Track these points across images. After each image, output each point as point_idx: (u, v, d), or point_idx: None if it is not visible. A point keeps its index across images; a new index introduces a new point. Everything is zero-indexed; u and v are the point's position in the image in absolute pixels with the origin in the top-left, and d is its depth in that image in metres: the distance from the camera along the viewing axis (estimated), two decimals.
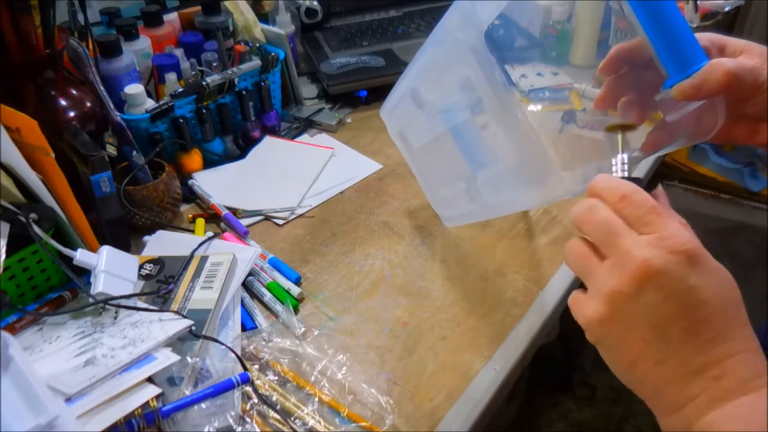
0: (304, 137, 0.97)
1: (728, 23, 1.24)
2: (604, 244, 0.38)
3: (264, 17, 1.08)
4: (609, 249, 0.38)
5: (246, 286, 0.69)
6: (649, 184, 1.04)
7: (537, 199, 0.55)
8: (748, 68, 0.43)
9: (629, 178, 0.42)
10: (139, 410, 0.49)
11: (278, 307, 0.66)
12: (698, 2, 1.01)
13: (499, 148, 0.55)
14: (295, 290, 0.68)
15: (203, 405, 0.52)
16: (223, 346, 0.58)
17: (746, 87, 0.43)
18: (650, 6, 0.43)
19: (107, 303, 0.58)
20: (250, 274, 0.69)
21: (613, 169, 0.44)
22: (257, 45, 0.94)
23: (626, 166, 0.44)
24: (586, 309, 0.38)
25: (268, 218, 0.80)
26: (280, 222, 0.80)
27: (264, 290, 0.68)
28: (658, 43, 0.44)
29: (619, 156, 0.44)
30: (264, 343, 0.61)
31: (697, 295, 0.35)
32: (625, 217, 0.38)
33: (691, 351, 0.35)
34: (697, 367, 0.35)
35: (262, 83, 0.91)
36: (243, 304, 0.66)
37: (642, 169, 0.90)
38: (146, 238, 0.74)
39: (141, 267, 0.66)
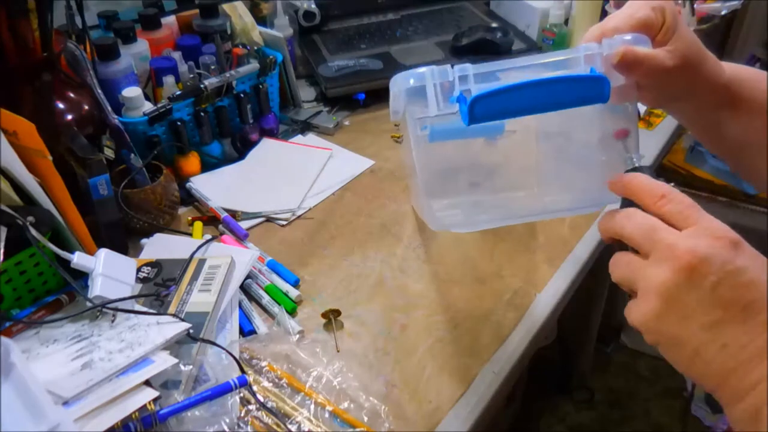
0: (298, 138, 0.97)
1: (725, 26, 1.24)
2: (648, 241, 0.39)
3: (262, 20, 1.08)
4: (653, 245, 0.38)
5: (244, 288, 0.68)
6: None
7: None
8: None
9: (642, 168, 0.45)
10: (137, 413, 0.48)
11: (276, 309, 0.65)
12: (695, 6, 1.02)
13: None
14: (293, 293, 0.67)
15: (201, 408, 0.52)
16: (221, 350, 0.57)
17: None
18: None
19: (104, 306, 0.57)
20: (248, 276, 0.69)
21: (628, 163, 0.47)
22: (255, 48, 0.94)
23: (637, 161, 0.46)
24: (639, 310, 0.38)
25: (269, 220, 0.80)
26: (282, 223, 0.80)
27: (262, 293, 0.68)
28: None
29: (631, 155, 0.47)
30: (262, 346, 0.61)
31: (746, 276, 0.35)
32: (665, 214, 0.39)
33: (751, 332, 0.35)
34: (761, 348, 0.34)
35: (260, 86, 0.91)
36: (241, 307, 0.66)
37: None
38: (144, 241, 0.74)
39: (139, 270, 0.66)
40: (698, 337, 0.36)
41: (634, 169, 0.45)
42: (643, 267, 0.39)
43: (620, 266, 0.41)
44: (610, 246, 0.45)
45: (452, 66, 0.48)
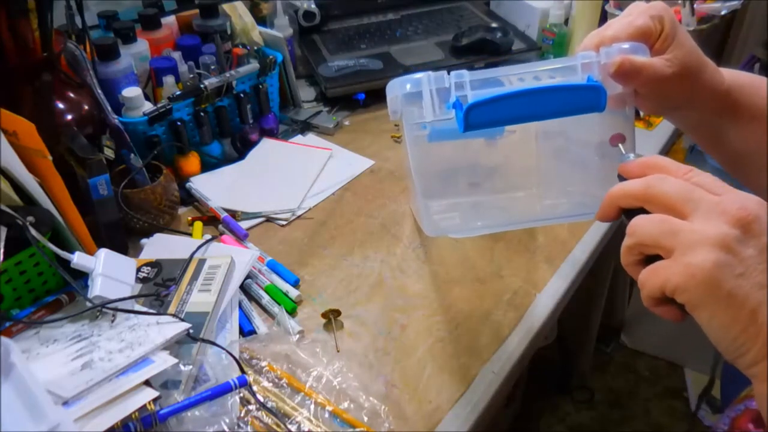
0: (298, 138, 0.97)
1: (725, 27, 1.24)
2: (689, 200, 0.37)
3: (262, 20, 1.08)
4: (696, 204, 0.36)
5: (244, 288, 0.68)
6: None
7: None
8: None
9: None
10: (137, 413, 0.48)
11: (276, 309, 0.66)
12: (695, 6, 1.02)
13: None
14: (293, 293, 0.67)
15: (200, 408, 0.52)
16: (221, 350, 0.57)
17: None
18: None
19: (104, 306, 0.57)
20: (248, 276, 0.69)
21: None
22: (255, 48, 0.94)
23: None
24: (684, 263, 0.35)
25: (269, 220, 0.80)
26: (282, 223, 0.80)
27: (262, 293, 0.68)
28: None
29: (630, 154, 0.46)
30: (262, 346, 0.61)
31: None
32: (696, 184, 0.38)
33: None
34: None
35: (260, 86, 0.91)
36: (241, 307, 0.66)
37: None
38: (144, 241, 0.74)
39: (138, 270, 0.66)
40: (756, 296, 0.34)
41: None
42: (685, 224, 0.36)
43: (649, 224, 0.37)
44: (610, 245, 0.44)
45: (449, 72, 0.48)
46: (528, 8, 1.18)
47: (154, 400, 0.50)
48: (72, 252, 0.59)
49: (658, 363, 1.62)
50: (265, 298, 0.67)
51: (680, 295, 0.35)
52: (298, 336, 0.63)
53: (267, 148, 0.93)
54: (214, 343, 0.58)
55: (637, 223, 0.38)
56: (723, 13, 1.06)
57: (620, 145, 0.48)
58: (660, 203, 0.38)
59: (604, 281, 1.34)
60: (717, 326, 0.35)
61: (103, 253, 0.61)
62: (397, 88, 0.49)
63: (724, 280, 0.34)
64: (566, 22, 1.15)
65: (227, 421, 0.52)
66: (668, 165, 0.40)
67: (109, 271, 0.60)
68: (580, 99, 0.46)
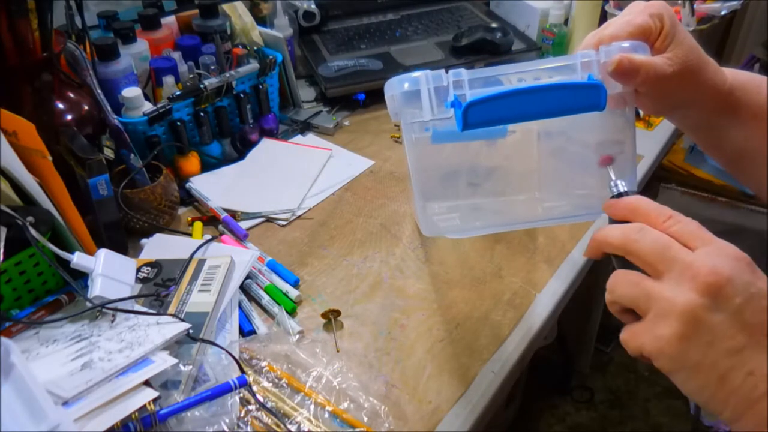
0: (298, 138, 0.98)
1: (725, 27, 1.24)
2: (663, 259, 0.37)
3: (262, 20, 1.08)
4: (670, 264, 0.36)
5: (244, 289, 0.68)
6: (646, 186, 1.04)
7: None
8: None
9: (628, 193, 0.44)
10: (136, 414, 0.48)
11: (276, 310, 0.66)
12: (695, 6, 1.02)
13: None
14: (293, 293, 0.67)
15: (200, 408, 0.52)
16: (221, 350, 0.57)
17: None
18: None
19: (104, 306, 0.57)
20: (248, 277, 0.69)
21: (614, 189, 0.45)
22: (255, 48, 0.94)
23: (625, 186, 0.45)
24: (655, 334, 0.36)
25: (269, 220, 0.80)
26: (282, 223, 0.80)
27: (262, 293, 0.68)
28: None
29: (618, 181, 0.45)
30: (261, 346, 0.61)
31: (766, 299, 0.35)
32: (674, 234, 0.38)
33: None
34: None
35: (260, 86, 0.91)
36: (241, 308, 0.66)
37: (640, 172, 0.90)
38: (144, 241, 0.74)
39: (138, 270, 0.66)
40: (724, 363, 0.34)
41: (620, 195, 0.44)
42: (657, 287, 0.36)
43: (625, 285, 0.38)
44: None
45: (447, 71, 0.48)
46: (528, 8, 1.18)
47: (154, 401, 0.50)
48: (72, 252, 0.59)
49: None
50: (265, 298, 0.67)
51: (654, 362, 0.37)
52: (297, 336, 0.63)
53: (267, 148, 0.93)
54: (213, 343, 0.58)
55: (615, 281, 0.40)
56: (723, 13, 1.06)
57: (609, 168, 0.48)
58: (636, 258, 0.39)
59: (604, 281, 1.34)
60: (689, 390, 0.36)
61: (103, 253, 0.61)
62: (395, 87, 0.49)
63: (690, 351, 0.35)
64: (566, 22, 1.15)
65: (227, 421, 0.52)
66: (649, 211, 0.40)
67: (108, 271, 0.60)
68: (580, 97, 0.46)
